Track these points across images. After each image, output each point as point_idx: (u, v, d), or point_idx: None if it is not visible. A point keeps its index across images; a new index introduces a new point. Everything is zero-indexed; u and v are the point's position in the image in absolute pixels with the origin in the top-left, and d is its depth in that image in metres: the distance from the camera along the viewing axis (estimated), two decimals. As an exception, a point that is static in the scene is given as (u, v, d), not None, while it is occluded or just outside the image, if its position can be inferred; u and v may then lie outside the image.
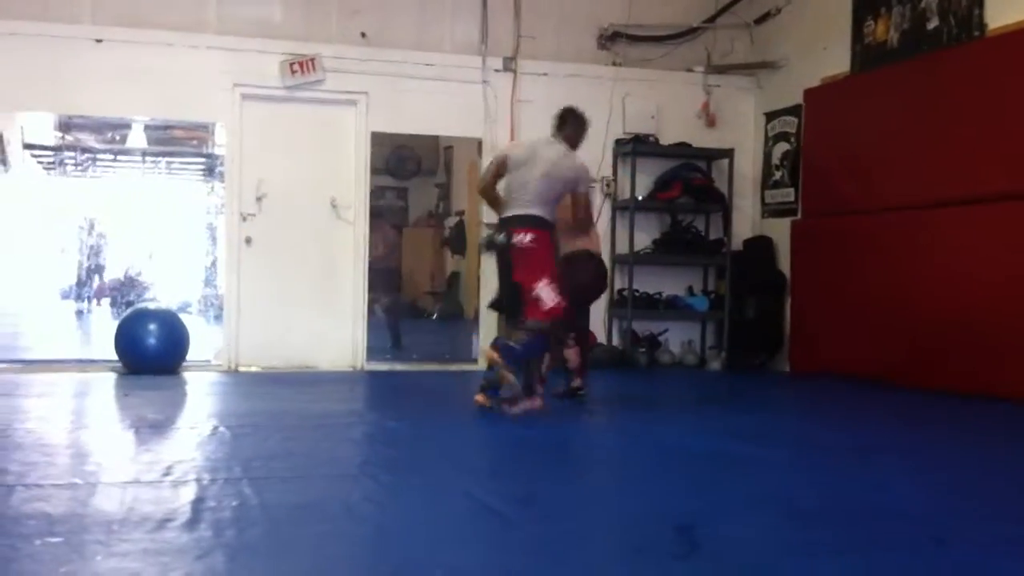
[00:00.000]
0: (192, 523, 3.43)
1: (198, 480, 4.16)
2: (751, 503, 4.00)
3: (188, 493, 3.88)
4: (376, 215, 9.31)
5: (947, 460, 5.07)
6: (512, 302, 6.26)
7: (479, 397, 6.25)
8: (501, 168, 6.38)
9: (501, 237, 6.19)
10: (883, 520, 3.69)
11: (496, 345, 6.20)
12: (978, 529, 3.56)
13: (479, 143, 9.42)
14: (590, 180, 6.70)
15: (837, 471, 4.72)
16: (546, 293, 6.03)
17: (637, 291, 9.40)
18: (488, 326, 9.27)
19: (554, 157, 6.25)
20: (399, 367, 9.15)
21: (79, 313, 12.57)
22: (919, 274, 7.77)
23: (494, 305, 7.19)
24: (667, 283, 9.71)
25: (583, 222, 6.56)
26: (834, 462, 4.97)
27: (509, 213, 6.22)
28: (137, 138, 9.08)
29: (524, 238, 6.06)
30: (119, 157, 10.23)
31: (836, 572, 3.09)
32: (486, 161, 9.14)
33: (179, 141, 9.10)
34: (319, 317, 8.89)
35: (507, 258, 6.20)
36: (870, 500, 4.04)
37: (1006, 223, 7.06)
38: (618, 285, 9.54)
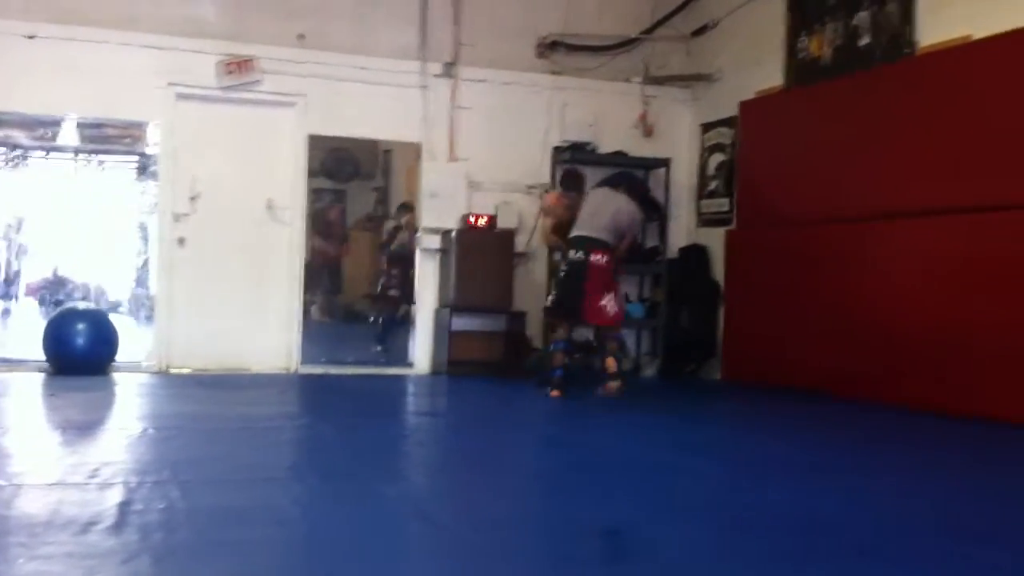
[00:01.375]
0: (118, 526, 3.38)
1: (125, 483, 4.09)
2: (682, 511, 4.04)
3: (114, 496, 3.82)
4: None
5: (874, 473, 5.12)
6: (574, 306, 7.53)
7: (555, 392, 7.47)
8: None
9: (579, 254, 7.49)
10: (811, 532, 3.73)
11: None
12: (903, 544, 3.60)
13: (418, 147, 9.41)
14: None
15: (768, 481, 4.76)
16: (611, 304, 7.53)
17: (572, 298, 9.43)
18: (425, 330, 9.26)
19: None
20: (333, 370, 9.09)
21: (5, 312, 12.30)
22: (850, 286, 7.91)
23: (553, 309, 7.94)
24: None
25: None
26: (764, 471, 5.02)
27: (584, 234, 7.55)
28: (69, 135, 8.91)
29: (600, 258, 7.45)
30: (50, 154, 10.03)
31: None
32: (425, 164, 9.21)
33: (112, 139, 8.95)
34: (253, 319, 8.81)
35: (582, 271, 7.48)
36: (797, 511, 4.08)
37: (935, 237, 7.22)
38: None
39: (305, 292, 9.24)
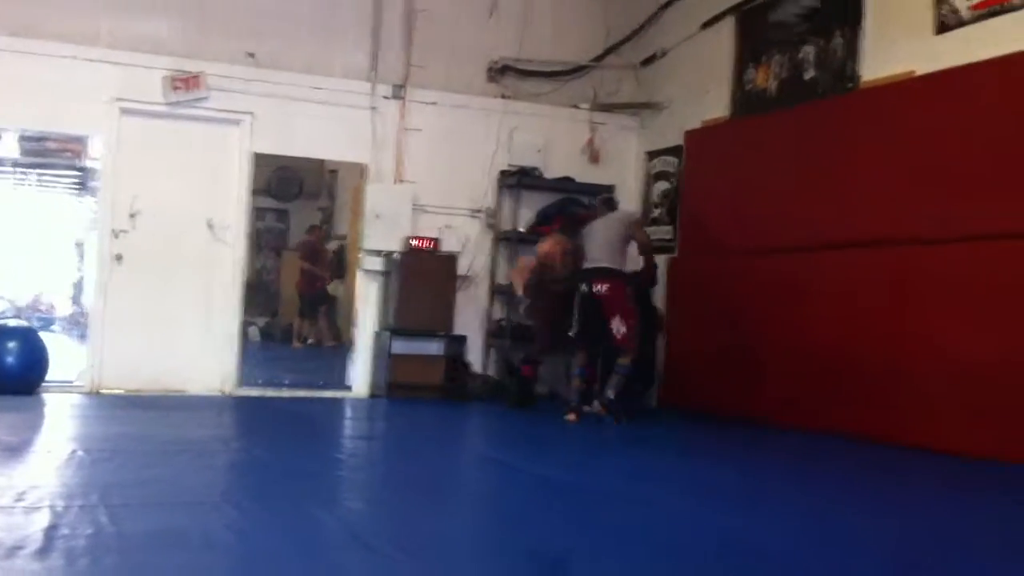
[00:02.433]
0: (44, 551, 3.30)
1: (52, 507, 3.99)
2: (616, 538, 4.00)
3: (41, 520, 3.72)
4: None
5: (807, 501, 5.15)
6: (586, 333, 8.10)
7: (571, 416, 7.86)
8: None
9: (584, 287, 8.02)
10: (745, 559, 3.73)
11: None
12: (834, 569, 3.62)
13: (363, 168, 9.36)
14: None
15: (704, 507, 4.77)
16: (618, 327, 7.89)
17: (515, 322, 9.41)
18: (364, 353, 9.17)
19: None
20: (270, 393, 8.96)
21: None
22: (789, 316, 7.97)
23: (573, 337, 8.24)
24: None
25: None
26: (702, 498, 5.03)
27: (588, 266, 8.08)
28: (9, 148, 8.74)
29: (601, 288, 7.93)
30: (-12, 167, 9.84)
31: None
32: (370, 185, 9.14)
33: (53, 153, 8.79)
34: (189, 340, 8.64)
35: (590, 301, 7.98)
36: (734, 535, 4.10)
37: (873, 267, 7.30)
38: (496, 316, 9.55)
39: (302, 318, 9.15)
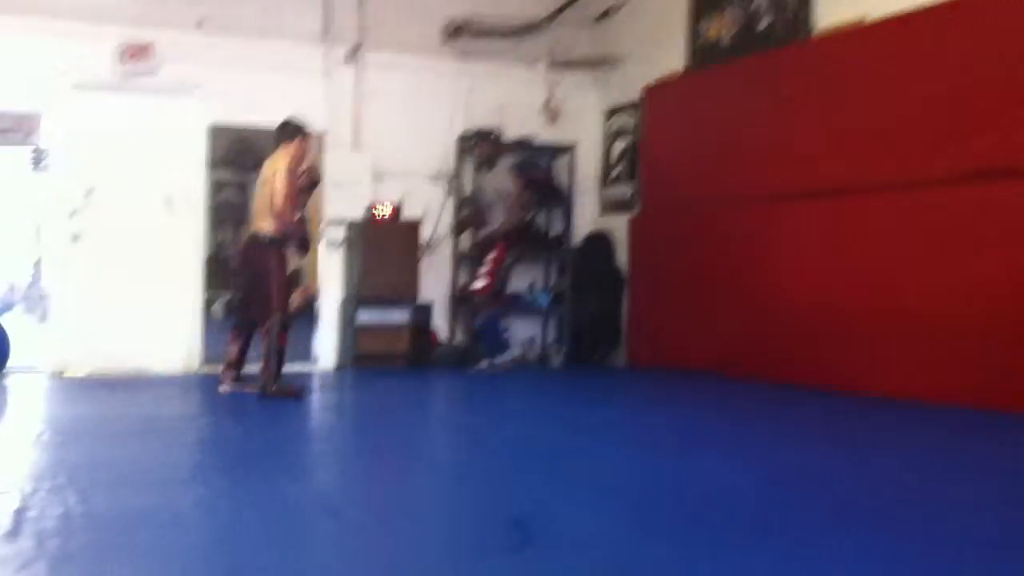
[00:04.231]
0: (13, 533, 3.29)
1: (20, 489, 3.96)
2: (584, 494, 4.05)
3: (9, 503, 3.70)
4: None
5: (773, 450, 5.21)
6: None
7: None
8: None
9: None
10: (710, 507, 3.80)
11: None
12: (796, 517, 3.69)
13: (320, 137, 9.26)
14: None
15: (669, 461, 4.83)
16: None
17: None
18: (329, 324, 9.13)
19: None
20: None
21: None
22: (749, 268, 8.02)
23: None
24: (510, 280, 9.74)
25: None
26: (667, 453, 5.08)
27: None
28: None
29: None
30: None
31: (668, 558, 3.15)
32: (329, 153, 9.05)
33: (4, 132, 8.61)
34: (152, 318, 8.53)
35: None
36: (699, 489, 4.17)
37: (831, 217, 7.35)
38: (461, 281, 9.53)
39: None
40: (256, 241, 6.75)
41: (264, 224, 6.71)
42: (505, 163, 8.91)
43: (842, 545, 3.28)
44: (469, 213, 9.06)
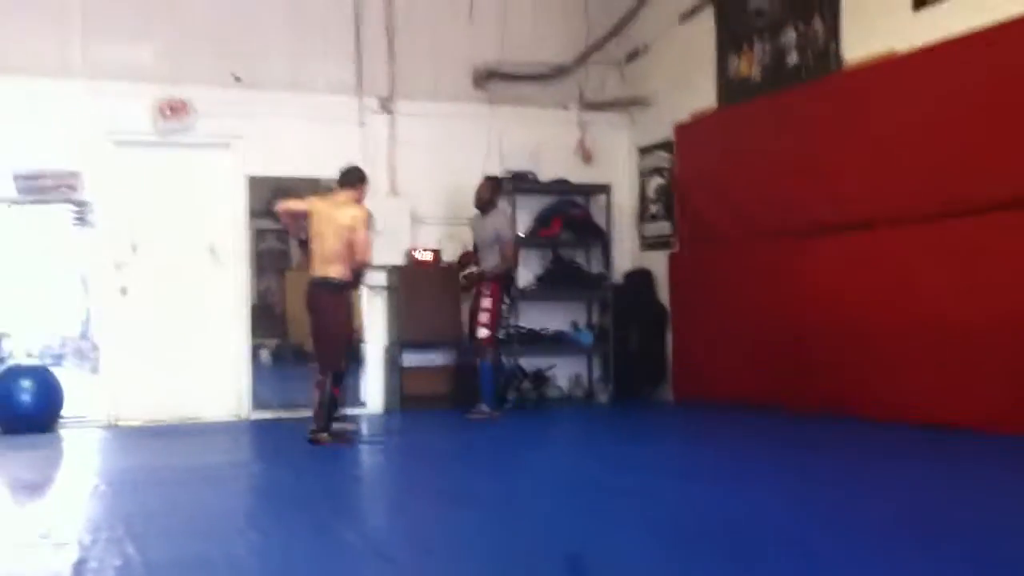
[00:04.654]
0: (74, 586, 3.34)
1: (79, 541, 4.05)
2: (634, 532, 4.07)
3: (69, 555, 3.78)
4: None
5: (818, 481, 5.20)
6: None
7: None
8: None
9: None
10: (758, 540, 3.81)
11: None
12: (843, 546, 3.68)
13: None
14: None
15: (717, 495, 4.83)
16: None
17: (523, 328, 9.47)
18: (375, 368, 9.21)
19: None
20: (285, 415, 8.99)
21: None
22: (789, 301, 8.01)
23: None
24: (552, 318, 9.80)
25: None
26: (714, 487, 5.08)
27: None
28: (4, 186, 8.77)
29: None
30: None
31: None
32: (368, 201, 9.17)
33: (48, 190, 8.81)
34: (201, 367, 8.69)
35: None
36: (746, 522, 4.16)
37: (870, 249, 7.35)
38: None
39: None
40: (327, 284, 6.89)
41: (331, 269, 6.86)
42: (504, 205, 8.89)
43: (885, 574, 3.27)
44: (461, 254, 9.08)
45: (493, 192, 8.59)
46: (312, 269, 6.98)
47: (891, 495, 4.76)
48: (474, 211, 8.72)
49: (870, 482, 5.13)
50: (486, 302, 8.31)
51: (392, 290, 9.14)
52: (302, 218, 7.10)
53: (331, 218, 6.92)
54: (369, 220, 7.06)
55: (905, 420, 6.81)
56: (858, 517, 4.22)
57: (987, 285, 6.48)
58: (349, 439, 6.90)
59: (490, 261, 8.42)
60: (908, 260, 7.03)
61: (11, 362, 9.20)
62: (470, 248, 8.94)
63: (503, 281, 8.52)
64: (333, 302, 6.88)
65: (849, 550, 3.64)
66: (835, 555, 3.57)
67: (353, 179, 7.20)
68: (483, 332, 8.29)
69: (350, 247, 6.84)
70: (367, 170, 9.10)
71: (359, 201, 7.11)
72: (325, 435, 6.72)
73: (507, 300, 8.60)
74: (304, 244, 7.50)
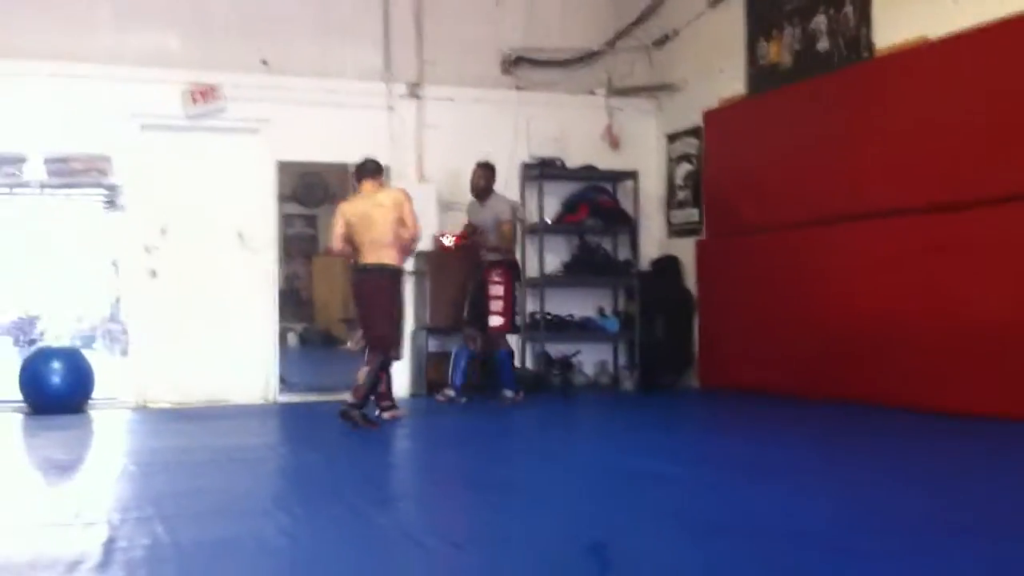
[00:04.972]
0: (103, 565, 3.37)
1: (108, 521, 4.09)
2: (662, 520, 4.06)
3: (99, 534, 3.81)
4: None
5: (847, 474, 5.17)
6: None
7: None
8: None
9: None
10: (785, 536, 3.76)
11: None
12: (873, 543, 3.64)
13: (386, 169, 9.43)
14: None
15: (744, 486, 4.80)
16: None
17: (549, 314, 9.48)
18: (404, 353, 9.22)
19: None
20: (312, 398, 9.07)
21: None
22: (818, 289, 7.98)
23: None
24: (578, 305, 9.81)
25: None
26: (741, 478, 5.05)
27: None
28: (35, 171, 8.85)
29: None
30: (15, 191, 9.97)
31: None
32: (393, 185, 9.20)
33: (78, 173, 8.88)
34: (229, 350, 8.76)
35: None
36: (774, 514, 4.12)
37: (898, 237, 7.30)
38: (530, 308, 9.60)
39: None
40: (383, 270, 6.95)
41: (386, 254, 6.94)
42: (504, 191, 8.84)
43: (919, 572, 3.24)
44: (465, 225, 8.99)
45: (488, 179, 8.55)
46: (363, 258, 7.01)
47: (929, 486, 4.72)
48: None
49: (905, 472, 5.09)
50: (497, 289, 8.26)
51: (418, 275, 9.16)
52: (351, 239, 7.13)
53: (371, 209, 6.99)
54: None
55: (935, 409, 6.77)
56: (895, 509, 4.18)
57: (1018, 274, 6.42)
58: (376, 424, 6.92)
59: (493, 249, 8.39)
60: (938, 249, 6.97)
61: (42, 344, 9.29)
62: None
63: (513, 268, 8.49)
64: (388, 287, 6.95)
65: (885, 544, 3.59)
66: (870, 549, 3.52)
67: (372, 169, 7.30)
68: (496, 321, 8.26)
69: (398, 230, 6.92)
70: (394, 155, 9.24)
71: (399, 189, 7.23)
72: (357, 413, 6.77)
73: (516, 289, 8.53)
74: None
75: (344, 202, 7.49)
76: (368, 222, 6.96)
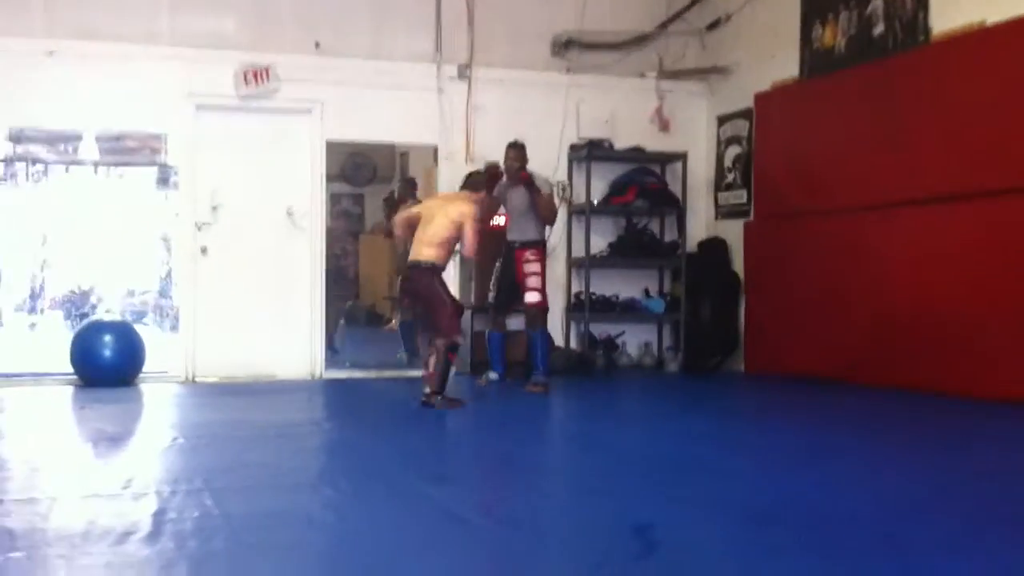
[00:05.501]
0: (154, 535, 3.44)
1: (158, 492, 4.16)
2: (711, 506, 4.05)
3: (149, 505, 3.88)
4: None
5: (896, 460, 5.14)
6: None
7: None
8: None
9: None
10: (834, 521, 3.75)
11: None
12: (924, 530, 3.62)
13: (435, 150, 9.48)
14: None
15: (791, 473, 4.78)
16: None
17: (594, 294, 9.47)
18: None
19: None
20: (358, 375, 9.14)
21: (32, 326, 12.43)
22: (868, 274, 7.91)
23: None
24: (623, 286, 9.79)
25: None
26: (788, 464, 5.03)
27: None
28: (89, 149, 8.99)
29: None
30: (71, 168, 10.14)
31: (789, 572, 3.15)
32: (442, 165, 9.25)
33: (132, 151, 9.01)
34: (277, 326, 8.86)
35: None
36: (822, 501, 4.10)
37: (951, 223, 7.22)
38: (575, 288, 9.61)
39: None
40: (419, 267, 7.02)
41: (428, 252, 6.99)
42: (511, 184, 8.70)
43: (971, 562, 3.21)
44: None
45: (522, 159, 8.36)
46: (411, 248, 7.13)
47: (983, 475, 4.66)
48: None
49: (958, 460, 5.05)
50: (534, 267, 8.08)
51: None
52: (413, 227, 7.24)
53: (438, 211, 7.10)
54: (475, 215, 7.16)
55: (988, 397, 6.70)
56: (947, 497, 4.15)
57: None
58: (462, 403, 7.00)
59: (527, 230, 8.22)
60: (993, 236, 6.88)
61: (95, 317, 9.43)
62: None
63: (544, 248, 8.35)
64: (430, 283, 7.00)
65: (936, 532, 3.57)
66: (922, 537, 3.50)
67: (476, 183, 7.51)
68: (534, 296, 8.02)
69: (452, 238, 7.02)
70: (443, 137, 9.26)
71: (475, 203, 7.24)
72: (439, 398, 6.86)
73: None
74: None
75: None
76: (429, 220, 7.08)
